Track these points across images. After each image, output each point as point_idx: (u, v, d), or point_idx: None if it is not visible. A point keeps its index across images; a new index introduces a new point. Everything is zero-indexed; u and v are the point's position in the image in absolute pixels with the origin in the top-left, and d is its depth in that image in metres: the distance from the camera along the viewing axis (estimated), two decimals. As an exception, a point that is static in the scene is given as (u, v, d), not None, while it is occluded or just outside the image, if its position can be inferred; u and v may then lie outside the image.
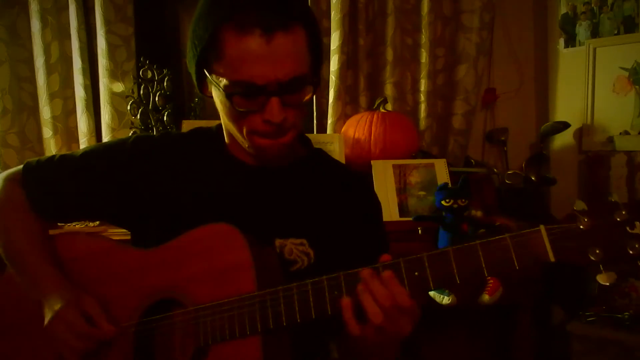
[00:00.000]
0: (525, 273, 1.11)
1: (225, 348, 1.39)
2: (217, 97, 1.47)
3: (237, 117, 1.45)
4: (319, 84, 1.56)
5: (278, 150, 1.50)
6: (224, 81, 1.39)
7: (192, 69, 1.50)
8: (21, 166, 1.71)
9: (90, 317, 1.46)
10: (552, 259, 1.17)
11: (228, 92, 1.39)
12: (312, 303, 1.33)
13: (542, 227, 1.19)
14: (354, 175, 1.76)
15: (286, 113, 1.41)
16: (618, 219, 1.13)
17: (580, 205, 1.17)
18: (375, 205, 1.74)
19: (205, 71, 1.44)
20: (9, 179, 1.69)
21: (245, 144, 1.51)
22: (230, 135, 1.60)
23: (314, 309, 1.33)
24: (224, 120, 1.54)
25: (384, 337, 1.30)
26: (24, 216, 1.64)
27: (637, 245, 1.11)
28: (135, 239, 1.68)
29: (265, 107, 1.39)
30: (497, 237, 1.22)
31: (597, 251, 1.13)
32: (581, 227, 1.15)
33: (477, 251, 1.23)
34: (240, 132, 1.47)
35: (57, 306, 1.46)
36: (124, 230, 1.75)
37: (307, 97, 1.46)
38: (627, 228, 1.12)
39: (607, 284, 1.14)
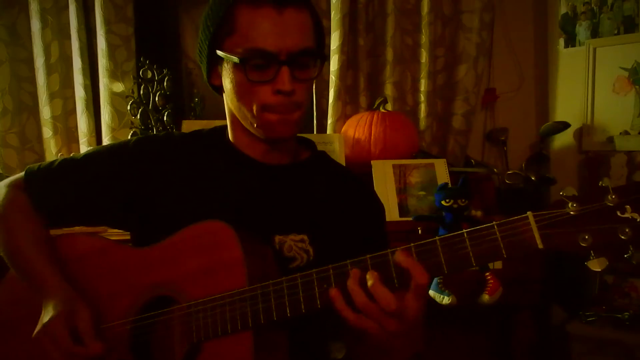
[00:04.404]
0: (515, 258, 1.10)
1: (218, 344, 1.39)
2: (228, 76, 1.52)
3: (248, 93, 1.49)
4: (325, 60, 1.62)
5: (286, 127, 1.53)
6: (237, 53, 1.46)
7: (203, 54, 1.58)
8: (22, 173, 1.70)
9: (78, 334, 1.44)
10: (540, 246, 1.15)
11: (242, 60, 1.45)
12: (302, 297, 1.33)
13: (529, 214, 1.17)
14: (357, 178, 1.78)
15: (295, 86, 1.47)
16: (608, 204, 1.11)
17: (569, 191, 1.15)
18: (377, 207, 1.76)
19: (217, 52, 1.51)
20: (11, 185, 1.69)
21: (254, 124, 1.53)
22: (236, 127, 1.64)
23: (304, 302, 1.32)
24: (233, 103, 1.56)
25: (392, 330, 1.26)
26: (27, 221, 1.64)
27: (627, 230, 1.08)
28: (137, 240, 1.67)
29: (277, 77, 1.45)
30: (484, 226, 1.21)
31: (587, 237, 1.11)
32: (570, 212, 1.13)
33: (464, 240, 1.22)
34: (250, 110, 1.51)
35: (47, 318, 1.45)
36: (123, 230, 1.76)
37: (314, 74, 1.53)
38: (618, 212, 1.10)
39: (599, 269, 1.12)
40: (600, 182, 1.13)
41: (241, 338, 1.37)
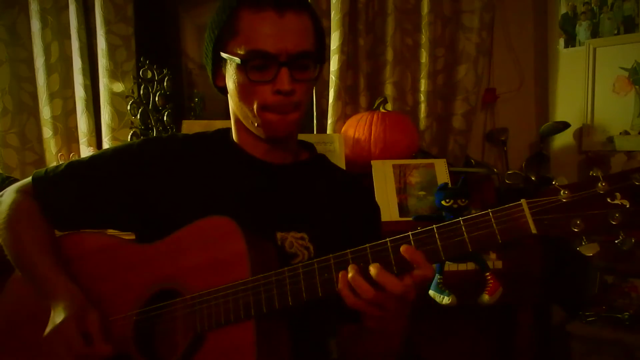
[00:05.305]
0: (510, 245, 1.18)
1: (221, 333, 1.42)
2: (230, 77, 1.57)
3: (249, 93, 1.54)
4: (324, 63, 1.66)
5: (285, 126, 1.57)
6: (238, 54, 1.51)
7: (208, 56, 1.63)
8: (29, 178, 1.73)
9: (89, 335, 1.45)
10: (533, 231, 1.18)
11: (243, 61, 1.50)
12: (303, 285, 1.36)
13: (523, 201, 1.21)
14: (355, 179, 1.82)
15: (294, 86, 1.51)
16: (599, 191, 1.14)
17: (561, 180, 1.19)
18: (374, 207, 1.80)
19: (221, 53, 1.57)
20: (19, 191, 1.71)
21: (255, 123, 1.58)
22: (239, 127, 1.68)
23: (305, 291, 1.36)
24: (236, 103, 1.61)
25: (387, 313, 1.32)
26: (34, 226, 1.66)
27: (617, 215, 1.12)
28: (142, 241, 1.68)
29: (276, 77, 1.50)
30: (479, 213, 1.25)
31: (579, 222, 1.14)
32: (563, 200, 1.16)
33: (461, 227, 1.26)
34: (251, 109, 1.55)
35: (58, 319, 1.47)
36: (129, 232, 1.78)
37: (313, 76, 1.58)
38: (608, 199, 1.13)
39: (590, 254, 1.16)
40: (591, 172, 1.17)
41: (244, 327, 1.39)
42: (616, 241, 1.13)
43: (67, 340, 1.44)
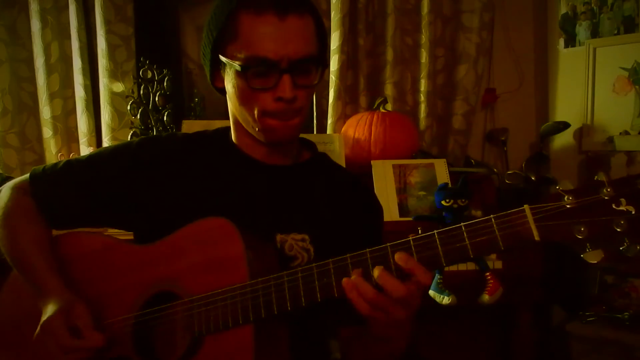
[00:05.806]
0: (512, 250, 1.15)
1: (219, 337, 1.41)
2: (230, 81, 1.53)
3: (249, 98, 1.50)
4: (327, 66, 1.60)
5: (286, 131, 1.55)
6: (238, 59, 1.47)
7: (206, 58, 1.59)
8: (27, 175, 1.72)
9: (77, 329, 1.45)
10: (536, 238, 1.16)
11: (243, 67, 1.45)
12: (302, 290, 1.34)
13: (526, 207, 1.19)
14: (357, 179, 1.80)
15: (296, 93, 1.47)
16: (603, 197, 1.12)
17: (565, 185, 1.17)
18: (376, 208, 1.78)
19: (220, 56, 1.52)
20: (16, 188, 1.70)
21: (256, 128, 1.55)
22: (238, 128, 1.65)
23: (304, 296, 1.34)
24: (235, 107, 1.58)
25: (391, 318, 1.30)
26: (30, 225, 1.65)
27: (622, 222, 1.10)
28: (140, 240, 1.67)
29: (278, 85, 1.46)
30: (481, 219, 1.23)
31: (583, 229, 1.12)
32: (567, 205, 1.14)
33: (462, 233, 1.24)
34: (252, 114, 1.52)
35: (44, 317, 1.47)
36: (127, 231, 1.77)
37: (315, 81, 1.53)
38: (613, 205, 1.11)
39: (595, 262, 1.13)
40: (596, 176, 1.15)
41: (242, 331, 1.38)
42: (621, 248, 1.11)
43: (53, 336, 1.44)
